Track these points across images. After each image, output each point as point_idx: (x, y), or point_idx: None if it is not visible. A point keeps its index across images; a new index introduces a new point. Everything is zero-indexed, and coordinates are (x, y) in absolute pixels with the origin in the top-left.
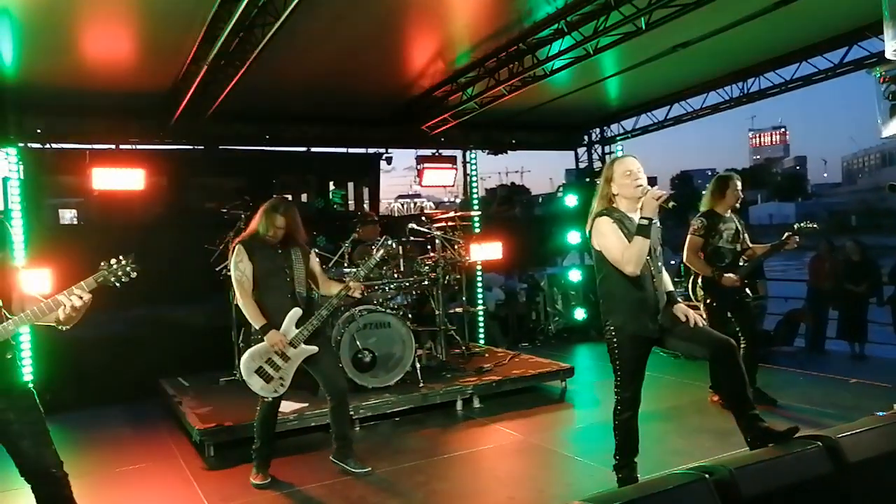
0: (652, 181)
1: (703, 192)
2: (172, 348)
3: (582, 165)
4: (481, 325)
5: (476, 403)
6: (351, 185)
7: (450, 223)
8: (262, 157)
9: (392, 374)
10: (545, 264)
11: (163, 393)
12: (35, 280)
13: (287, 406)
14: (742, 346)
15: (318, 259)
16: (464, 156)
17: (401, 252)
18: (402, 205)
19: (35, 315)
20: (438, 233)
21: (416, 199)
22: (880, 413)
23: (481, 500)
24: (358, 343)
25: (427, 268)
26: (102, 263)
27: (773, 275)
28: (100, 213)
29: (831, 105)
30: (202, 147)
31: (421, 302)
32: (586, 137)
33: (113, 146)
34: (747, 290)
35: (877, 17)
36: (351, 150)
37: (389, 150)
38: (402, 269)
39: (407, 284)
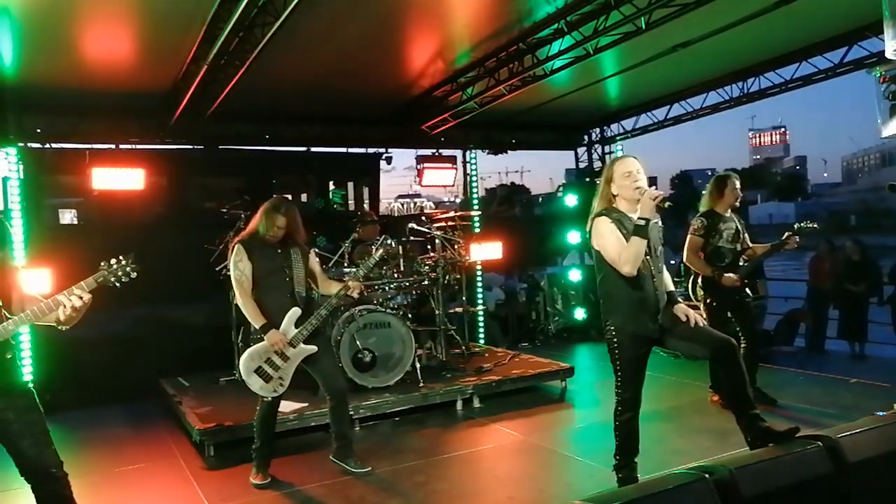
0: (652, 181)
1: (703, 192)
2: (172, 348)
3: (582, 165)
4: (481, 324)
5: (476, 403)
6: (351, 185)
7: (450, 223)
8: (261, 157)
9: (392, 374)
10: (545, 264)
11: (163, 393)
12: (35, 280)
13: (287, 406)
14: (742, 345)
15: (317, 259)
16: (464, 156)
17: (401, 252)
18: (402, 204)
19: (35, 315)
20: (438, 233)
21: (416, 199)
22: (880, 413)
23: (481, 500)
24: (358, 343)
25: (427, 268)
26: (102, 263)
27: (773, 274)
28: (100, 212)
29: (831, 105)
30: (202, 147)
31: (421, 302)
32: (586, 137)
33: (113, 146)
34: (747, 290)
35: (877, 16)
36: (351, 150)
37: (389, 150)
38: (402, 268)
39: (407, 284)
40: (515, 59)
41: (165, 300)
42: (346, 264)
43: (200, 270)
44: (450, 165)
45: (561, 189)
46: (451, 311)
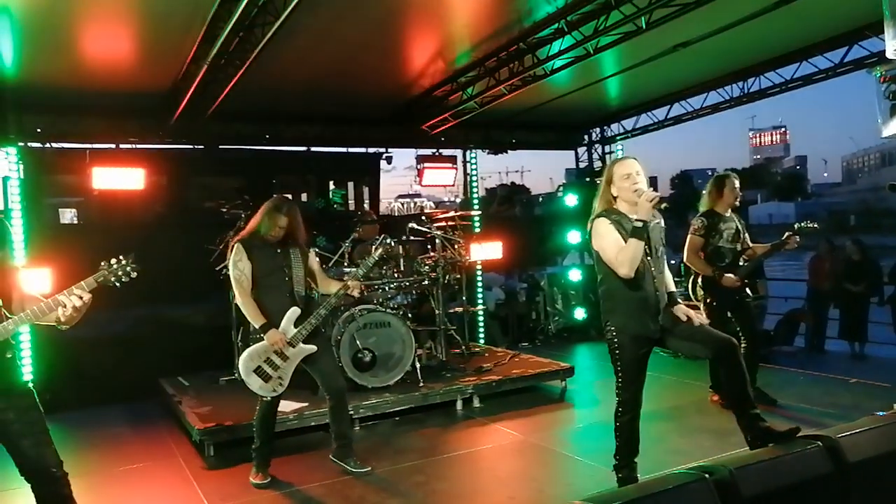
0: (652, 181)
1: (703, 192)
2: (172, 348)
3: (582, 165)
4: (481, 324)
5: (476, 403)
6: (351, 185)
7: (450, 223)
8: (262, 157)
9: (392, 374)
10: (545, 264)
11: (163, 392)
12: (35, 280)
13: (287, 405)
14: (742, 345)
15: (317, 258)
16: (464, 155)
17: (401, 252)
18: (403, 204)
19: (35, 315)
20: (438, 232)
21: (416, 199)
22: (880, 413)
23: (481, 500)
24: (358, 342)
25: (427, 267)
26: (102, 263)
27: (773, 274)
28: (100, 212)
29: (832, 105)
30: (202, 146)
31: (421, 301)
32: (586, 137)
33: (113, 146)
34: (747, 290)
35: (877, 16)
36: (351, 150)
37: (389, 150)
38: (402, 268)
39: (407, 284)
40: (515, 59)
41: (165, 300)
42: (346, 264)
43: (200, 270)
44: (450, 165)
45: (561, 189)
46: (451, 310)
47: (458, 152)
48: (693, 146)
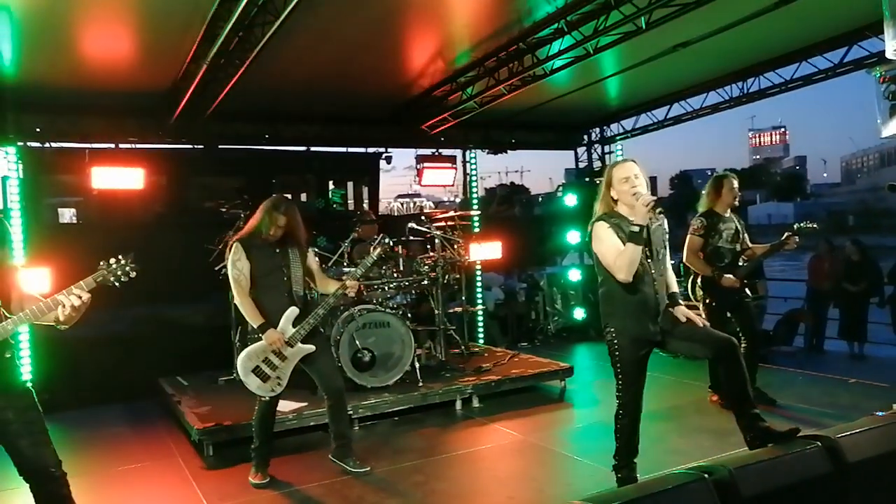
0: (652, 181)
1: (702, 193)
2: (171, 348)
3: (582, 165)
4: (480, 324)
5: (475, 403)
6: (350, 185)
7: (449, 223)
8: (261, 157)
9: (391, 374)
10: (544, 264)
11: (162, 392)
12: (34, 279)
13: (286, 405)
14: (742, 345)
15: (316, 258)
16: (463, 155)
17: (400, 251)
18: (402, 204)
19: (34, 314)
20: (438, 232)
21: (415, 199)
22: (879, 413)
23: (480, 500)
24: (357, 342)
25: (426, 267)
26: (101, 263)
27: (772, 275)
28: (99, 212)
29: (831, 105)
30: (202, 146)
31: (420, 301)
32: (586, 137)
33: (112, 145)
34: (747, 290)
35: (877, 16)
36: (350, 150)
37: (389, 150)
38: (401, 268)
39: (406, 284)
40: (515, 59)
41: (165, 300)
42: (345, 264)
43: (200, 270)
44: (449, 165)
45: (560, 189)
46: (451, 310)
47: (457, 152)
48: (693, 146)
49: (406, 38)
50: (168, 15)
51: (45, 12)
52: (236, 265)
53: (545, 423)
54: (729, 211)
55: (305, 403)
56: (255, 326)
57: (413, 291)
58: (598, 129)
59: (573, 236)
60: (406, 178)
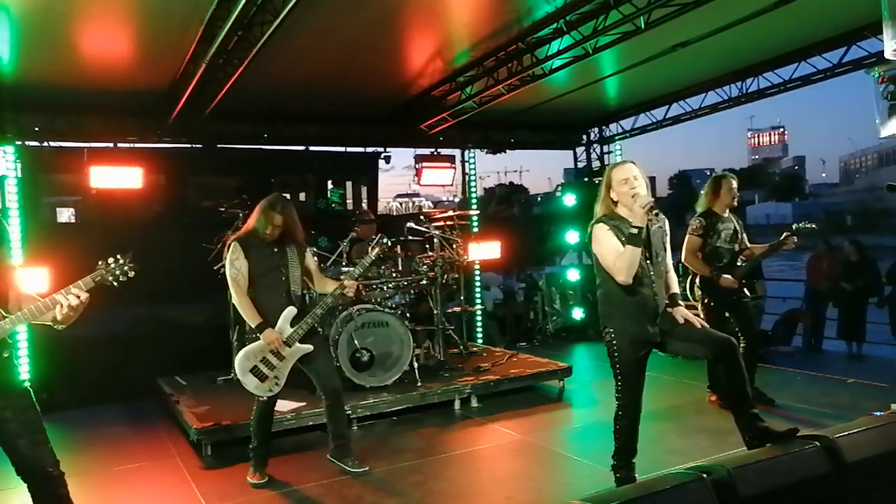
0: (651, 181)
1: (701, 193)
2: (170, 347)
3: (580, 165)
4: (479, 324)
5: (474, 403)
6: (349, 185)
7: (448, 222)
8: (260, 156)
9: (390, 374)
10: (543, 264)
11: (160, 392)
12: (32, 279)
13: (284, 405)
14: (741, 346)
15: (315, 258)
16: (462, 155)
17: (399, 251)
18: (401, 204)
19: (32, 314)
20: (437, 232)
21: (414, 199)
22: (878, 413)
23: (479, 500)
24: (356, 342)
25: (425, 267)
26: (100, 262)
27: (771, 275)
28: (97, 211)
29: (830, 105)
30: (200, 146)
31: (419, 301)
32: (585, 137)
33: (111, 144)
34: (745, 290)
35: (876, 17)
36: (349, 150)
37: (388, 150)
38: (400, 268)
39: (405, 284)
40: (514, 59)
41: (163, 299)
42: (344, 263)
43: (199, 270)
44: (448, 165)
45: (559, 189)
46: (450, 310)
47: (456, 152)
48: (691, 146)
49: (405, 37)
50: (167, 14)
51: (44, 11)
52: (234, 265)
53: (544, 422)
54: (727, 211)
55: (304, 403)
56: (253, 326)
57: (412, 291)
58: (596, 129)
59: (572, 236)
60: (405, 178)
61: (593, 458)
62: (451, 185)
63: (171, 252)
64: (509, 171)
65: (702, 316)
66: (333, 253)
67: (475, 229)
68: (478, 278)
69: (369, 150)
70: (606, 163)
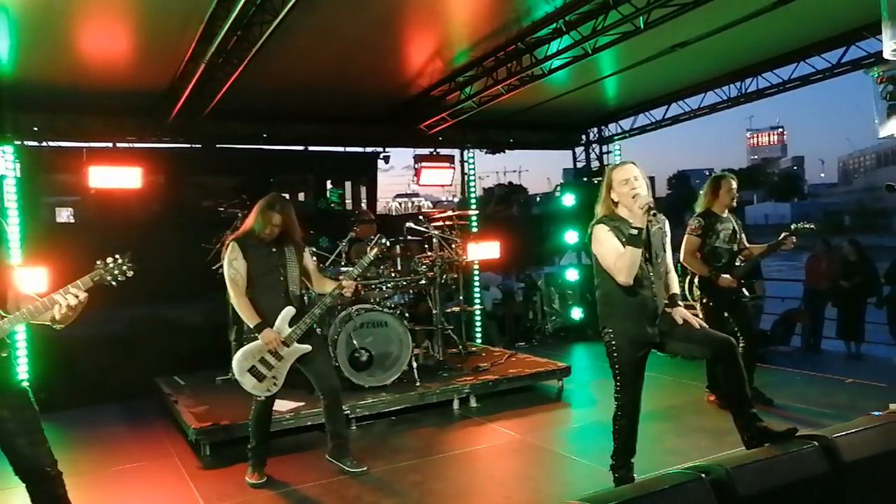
0: (650, 181)
1: (700, 193)
2: (169, 347)
3: (580, 165)
4: (478, 324)
5: (473, 403)
6: (348, 184)
7: (447, 222)
8: (259, 156)
9: (389, 374)
10: (542, 264)
11: (159, 392)
12: (31, 279)
13: (283, 405)
14: (741, 345)
15: (313, 258)
16: (461, 155)
17: (398, 251)
18: (400, 204)
19: (30, 314)
20: (436, 232)
21: (413, 198)
22: (876, 413)
23: (478, 500)
24: (355, 342)
25: (424, 267)
26: (98, 262)
27: (770, 275)
28: (96, 211)
29: (829, 105)
30: (200, 145)
31: (418, 301)
32: (584, 137)
33: (110, 144)
34: (744, 290)
35: (875, 17)
36: (348, 149)
37: (387, 150)
38: (399, 268)
39: (404, 283)
40: (514, 59)
41: (162, 299)
42: (343, 263)
43: (197, 269)
44: (447, 165)
45: (558, 189)
46: (449, 310)
47: (455, 152)
48: (691, 146)
49: (404, 37)
50: (166, 13)
51: (43, 10)
52: (233, 265)
53: (542, 422)
54: (726, 211)
55: (302, 403)
56: (251, 326)
57: (411, 291)
58: (596, 129)
59: (571, 236)
60: (404, 178)
61: (592, 457)
62: (451, 185)
63: (169, 252)
64: (508, 171)
65: (701, 316)
66: (333, 253)
67: (474, 229)
68: (477, 278)
69: (368, 149)
70: (606, 163)
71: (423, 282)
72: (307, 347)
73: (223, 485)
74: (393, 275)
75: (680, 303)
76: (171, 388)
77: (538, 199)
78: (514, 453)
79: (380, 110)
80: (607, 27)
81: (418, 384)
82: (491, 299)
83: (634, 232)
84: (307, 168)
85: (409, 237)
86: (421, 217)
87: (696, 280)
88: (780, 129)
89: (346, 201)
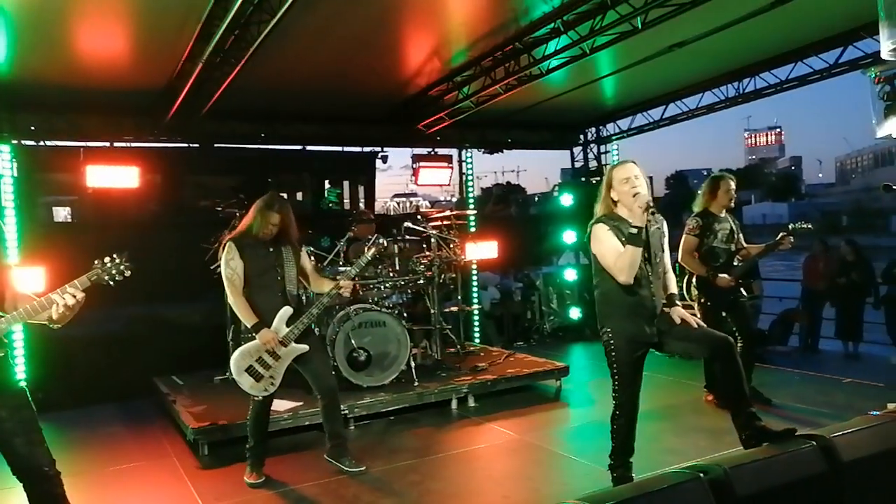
0: (648, 181)
1: (698, 193)
2: (167, 347)
3: (578, 165)
4: (476, 324)
5: (471, 402)
6: (347, 184)
7: (445, 222)
8: (257, 156)
9: (387, 373)
10: (540, 263)
11: (157, 391)
12: (28, 278)
13: (281, 405)
14: (738, 345)
15: (312, 257)
16: (460, 155)
17: (396, 251)
18: (398, 203)
19: (28, 313)
20: (434, 231)
21: (411, 198)
22: (874, 412)
23: (476, 500)
24: (353, 342)
25: (422, 266)
26: (96, 262)
27: (767, 274)
28: (94, 210)
29: (827, 105)
30: (197, 145)
31: (416, 301)
32: (582, 137)
33: (107, 143)
34: (742, 290)
35: (872, 17)
36: (347, 149)
37: (385, 149)
38: (397, 267)
39: (402, 283)
40: (511, 59)
41: (160, 299)
42: (341, 263)
43: (195, 269)
44: (446, 164)
45: (557, 188)
46: (447, 310)
47: (453, 151)
48: (688, 146)
49: (402, 37)
50: (164, 12)
51: (40, 9)
52: (230, 264)
53: (541, 422)
54: (724, 211)
55: (301, 403)
56: (248, 326)
57: (409, 291)
58: (594, 129)
59: (569, 236)
60: (402, 178)
61: (590, 457)
62: (449, 184)
63: (167, 251)
64: (506, 171)
65: (699, 316)
66: (331, 252)
67: (472, 229)
68: (475, 278)
69: (366, 149)
70: (604, 163)
71: (421, 281)
72: (304, 347)
73: (221, 484)
74: (391, 274)
75: (678, 302)
76: (169, 388)
77: (536, 198)
78: (513, 453)
79: (378, 110)
80: (605, 27)
81: (416, 384)
82: (489, 299)
83: (634, 231)
84: (305, 168)
85: (408, 237)
86: (419, 217)
87: (694, 280)
88: (778, 129)
89: (345, 201)
